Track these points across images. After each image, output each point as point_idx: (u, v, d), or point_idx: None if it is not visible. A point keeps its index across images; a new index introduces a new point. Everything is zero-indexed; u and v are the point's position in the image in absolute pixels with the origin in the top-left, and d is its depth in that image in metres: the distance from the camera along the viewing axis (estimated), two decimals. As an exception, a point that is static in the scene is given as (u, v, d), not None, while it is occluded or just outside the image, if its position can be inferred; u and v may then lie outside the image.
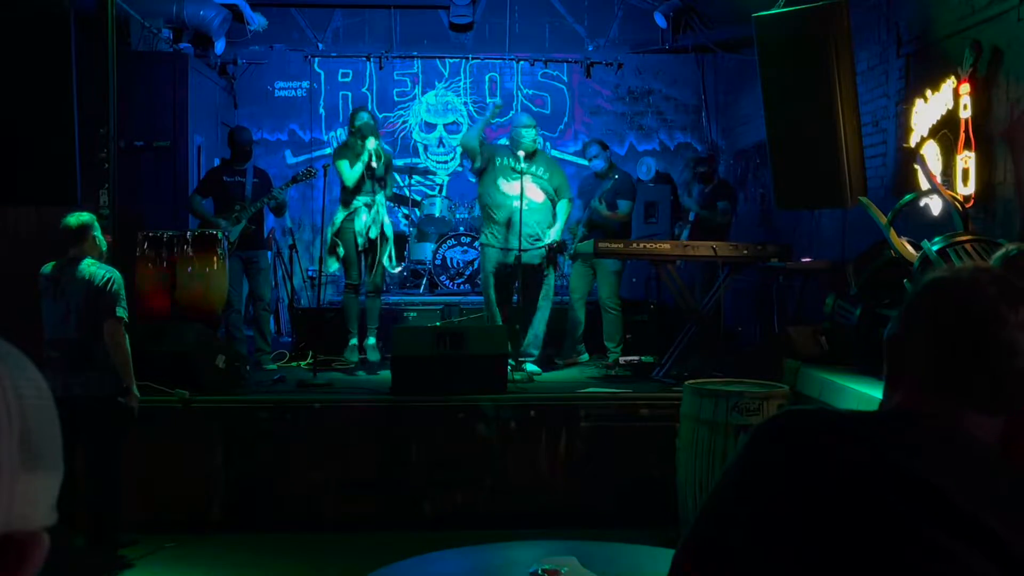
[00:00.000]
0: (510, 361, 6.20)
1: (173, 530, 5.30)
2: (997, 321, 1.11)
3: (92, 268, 4.67)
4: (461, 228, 8.87)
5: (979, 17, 5.13)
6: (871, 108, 6.41)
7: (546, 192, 6.84)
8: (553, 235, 6.84)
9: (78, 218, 4.74)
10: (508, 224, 6.76)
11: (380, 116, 10.12)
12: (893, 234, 4.89)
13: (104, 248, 4.86)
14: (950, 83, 5.23)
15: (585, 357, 7.41)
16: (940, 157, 5.41)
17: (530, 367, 6.73)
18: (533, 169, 6.77)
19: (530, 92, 10.24)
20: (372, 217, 6.85)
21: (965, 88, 5.05)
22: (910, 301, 1.20)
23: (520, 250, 6.61)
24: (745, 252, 6.48)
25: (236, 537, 5.35)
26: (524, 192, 6.63)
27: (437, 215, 9.10)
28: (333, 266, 6.98)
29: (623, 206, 7.35)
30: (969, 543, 1.02)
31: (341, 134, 10.03)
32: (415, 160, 10.05)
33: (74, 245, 4.70)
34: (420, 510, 5.57)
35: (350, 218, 6.85)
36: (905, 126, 5.88)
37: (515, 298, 6.86)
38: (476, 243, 8.40)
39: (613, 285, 7.31)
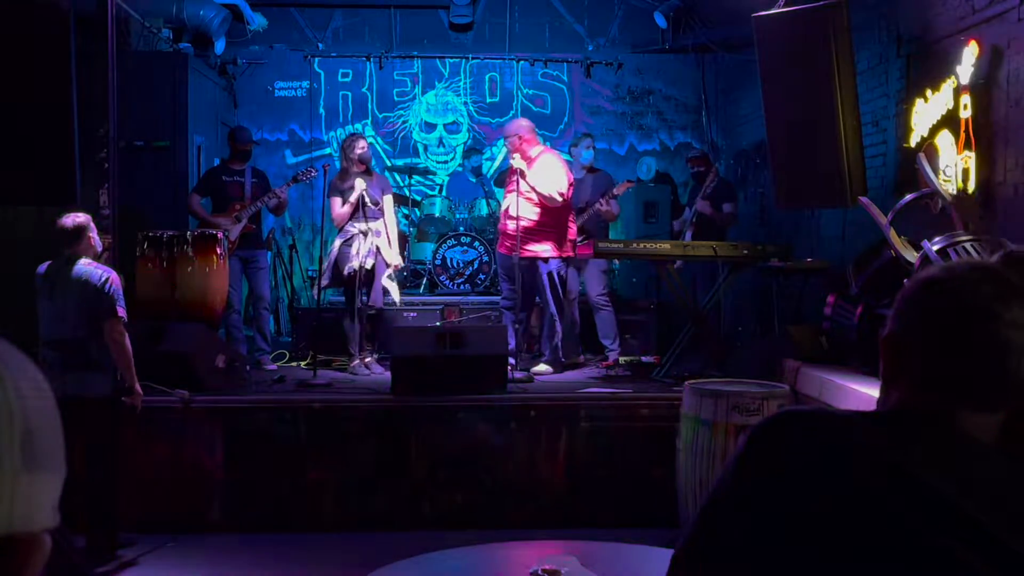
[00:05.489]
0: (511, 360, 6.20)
1: (173, 530, 5.30)
2: (993, 319, 1.10)
3: (89, 268, 4.67)
4: (461, 228, 8.86)
5: (979, 17, 5.12)
6: (871, 108, 6.40)
7: (541, 199, 6.72)
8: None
9: (74, 218, 4.74)
10: (507, 227, 6.77)
11: (380, 116, 10.12)
12: (893, 234, 4.89)
13: (100, 248, 4.86)
14: (950, 83, 5.22)
15: (584, 357, 7.41)
16: (940, 157, 5.40)
17: (543, 367, 6.73)
18: (531, 177, 6.68)
19: (530, 92, 10.23)
20: (367, 246, 6.71)
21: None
22: (905, 299, 1.19)
23: (519, 256, 6.60)
24: (745, 252, 6.48)
25: (236, 537, 5.35)
26: (518, 198, 6.63)
27: (437, 215, 9.08)
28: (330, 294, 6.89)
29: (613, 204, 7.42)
30: (969, 543, 1.01)
31: (341, 134, 10.03)
32: (415, 160, 10.04)
33: (69, 245, 4.70)
34: (420, 510, 5.57)
35: (348, 243, 6.75)
36: (905, 126, 5.87)
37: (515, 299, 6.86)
38: (476, 243, 8.43)
39: (602, 282, 7.35)
